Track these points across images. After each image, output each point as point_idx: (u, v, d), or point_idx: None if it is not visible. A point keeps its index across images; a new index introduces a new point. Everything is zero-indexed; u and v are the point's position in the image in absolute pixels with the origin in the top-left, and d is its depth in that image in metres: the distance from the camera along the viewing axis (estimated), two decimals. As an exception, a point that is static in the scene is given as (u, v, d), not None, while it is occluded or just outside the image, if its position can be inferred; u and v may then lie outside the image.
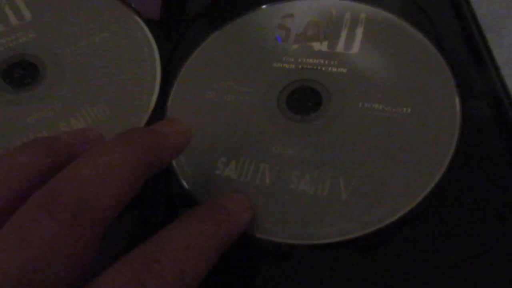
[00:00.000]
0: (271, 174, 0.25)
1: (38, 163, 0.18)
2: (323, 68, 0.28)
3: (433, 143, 0.25)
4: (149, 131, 0.20)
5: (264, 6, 0.31)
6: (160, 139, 0.20)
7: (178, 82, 0.29)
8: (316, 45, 0.29)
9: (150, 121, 0.27)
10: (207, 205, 0.22)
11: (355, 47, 0.28)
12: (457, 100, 0.25)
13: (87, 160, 0.18)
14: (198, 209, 0.21)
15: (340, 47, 0.29)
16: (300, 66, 0.28)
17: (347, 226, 0.23)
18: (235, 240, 0.21)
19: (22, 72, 0.28)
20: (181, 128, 0.21)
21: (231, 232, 0.20)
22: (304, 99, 0.27)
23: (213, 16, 0.32)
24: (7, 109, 0.27)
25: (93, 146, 0.20)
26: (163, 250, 0.18)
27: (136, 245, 0.18)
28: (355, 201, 0.23)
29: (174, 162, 0.26)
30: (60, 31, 0.30)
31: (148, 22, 0.31)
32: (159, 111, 0.28)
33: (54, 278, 0.16)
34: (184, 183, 0.26)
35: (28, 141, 0.20)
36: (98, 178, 0.17)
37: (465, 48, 0.28)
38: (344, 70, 0.28)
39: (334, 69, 0.28)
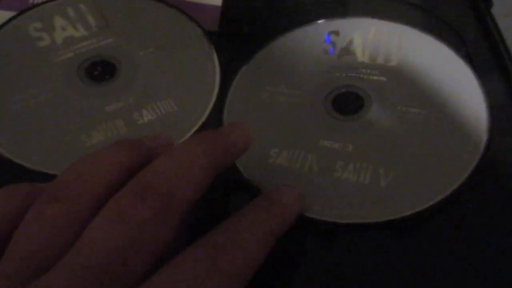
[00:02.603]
0: (318, 164, 0.29)
1: (122, 162, 0.21)
2: (365, 76, 0.32)
3: (463, 143, 0.28)
4: (221, 135, 0.23)
5: (313, 23, 0.35)
6: (229, 143, 0.23)
7: (235, 84, 0.33)
8: (359, 57, 0.33)
9: (210, 116, 0.31)
10: (264, 199, 0.24)
11: (394, 60, 0.32)
12: (484, 106, 0.29)
13: (170, 158, 0.21)
14: (256, 203, 0.24)
15: (380, 59, 0.32)
16: (344, 74, 0.32)
17: (386, 210, 0.26)
18: (288, 228, 0.24)
19: (102, 70, 0.33)
20: (246, 134, 0.24)
21: (284, 222, 0.23)
22: (347, 101, 0.31)
23: (266, 30, 0.36)
24: (90, 99, 0.32)
25: (170, 148, 0.23)
26: (232, 239, 0.20)
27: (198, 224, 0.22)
28: (392, 188, 0.27)
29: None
30: (134, 37, 0.35)
31: (208, 33, 0.35)
32: (218, 108, 0.32)
33: (144, 256, 0.18)
34: (241, 170, 0.29)
35: (115, 142, 0.22)
36: (180, 173, 0.20)
37: (493, 64, 0.32)
38: (384, 79, 0.31)
39: (375, 78, 0.32)
